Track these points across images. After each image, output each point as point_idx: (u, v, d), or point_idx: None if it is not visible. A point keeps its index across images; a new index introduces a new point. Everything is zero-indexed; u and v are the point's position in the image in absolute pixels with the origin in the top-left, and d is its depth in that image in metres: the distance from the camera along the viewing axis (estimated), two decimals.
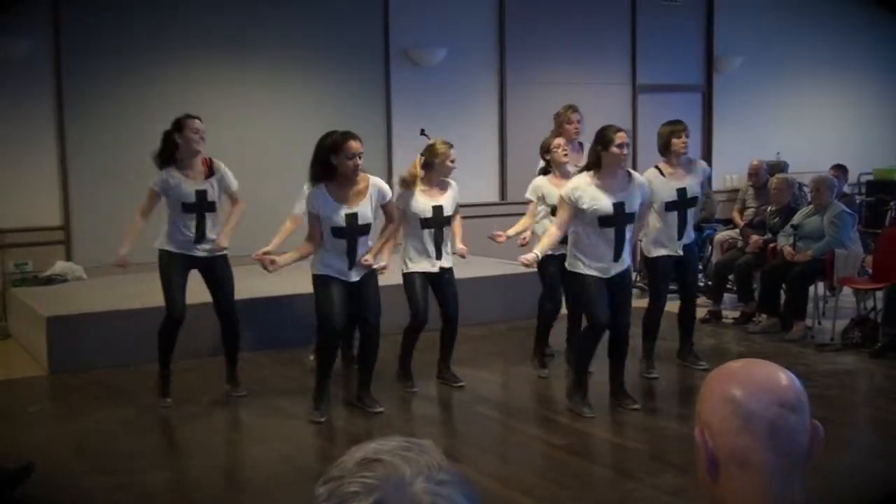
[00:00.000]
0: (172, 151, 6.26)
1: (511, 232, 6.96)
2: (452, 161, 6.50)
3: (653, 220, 6.86)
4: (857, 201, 11.36)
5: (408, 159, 7.05)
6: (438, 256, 6.49)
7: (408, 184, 6.51)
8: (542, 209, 6.89)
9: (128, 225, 6.42)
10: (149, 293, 7.89)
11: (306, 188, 6.34)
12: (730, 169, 12.19)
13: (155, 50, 9.24)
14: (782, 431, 1.46)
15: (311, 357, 6.93)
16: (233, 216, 6.52)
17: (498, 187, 11.05)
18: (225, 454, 5.71)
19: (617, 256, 5.96)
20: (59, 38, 8.92)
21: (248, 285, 7.99)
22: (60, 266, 8.85)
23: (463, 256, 6.72)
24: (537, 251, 6.05)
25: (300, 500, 4.32)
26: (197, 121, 6.27)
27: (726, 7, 12.27)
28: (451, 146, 6.55)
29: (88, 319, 7.43)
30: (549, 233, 6.16)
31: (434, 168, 6.49)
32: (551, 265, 6.73)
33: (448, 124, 10.22)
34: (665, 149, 6.91)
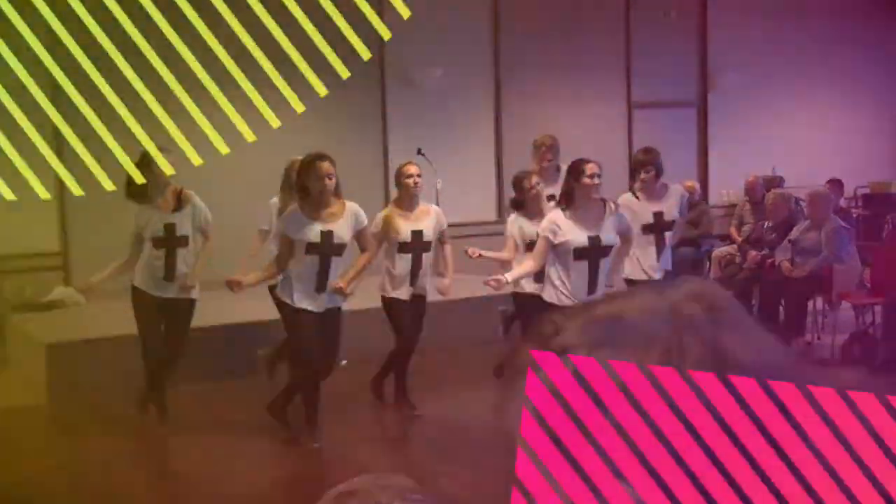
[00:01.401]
0: (143, 188, 5.65)
1: (488, 254, 6.68)
2: (409, 177, 6.37)
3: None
4: (854, 215, 11.36)
5: None
6: (412, 283, 6.41)
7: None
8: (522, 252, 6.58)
9: (115, 263, 6.24)
10: None
11: (273, 200, 6.51)
12: (726, 184, 12.21)
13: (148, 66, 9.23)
14: None
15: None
16: (203, 255, 6.26)
17: (495, 205, 11.05)
18: (225, 482, 5.66)
19: (591, 290, 5.84)
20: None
21: (243, 308, 7.95)
22: (59, 291, 8.82)
23: (443, 294, 6.66)
24: (508, 276, 5.93)
25: None
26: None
27: (720, 22, 12.31)
28: (410, 163, 6.52)
29: (88, 346, 7.38)
30: (525, 263, 6.09)
31: (399, 189, 6.47)
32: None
33: (444, 143, 10.25)
34: (633, 176, 6.97)
